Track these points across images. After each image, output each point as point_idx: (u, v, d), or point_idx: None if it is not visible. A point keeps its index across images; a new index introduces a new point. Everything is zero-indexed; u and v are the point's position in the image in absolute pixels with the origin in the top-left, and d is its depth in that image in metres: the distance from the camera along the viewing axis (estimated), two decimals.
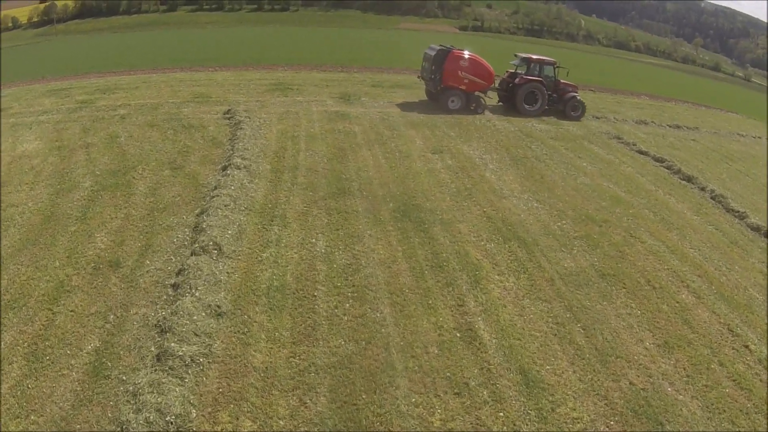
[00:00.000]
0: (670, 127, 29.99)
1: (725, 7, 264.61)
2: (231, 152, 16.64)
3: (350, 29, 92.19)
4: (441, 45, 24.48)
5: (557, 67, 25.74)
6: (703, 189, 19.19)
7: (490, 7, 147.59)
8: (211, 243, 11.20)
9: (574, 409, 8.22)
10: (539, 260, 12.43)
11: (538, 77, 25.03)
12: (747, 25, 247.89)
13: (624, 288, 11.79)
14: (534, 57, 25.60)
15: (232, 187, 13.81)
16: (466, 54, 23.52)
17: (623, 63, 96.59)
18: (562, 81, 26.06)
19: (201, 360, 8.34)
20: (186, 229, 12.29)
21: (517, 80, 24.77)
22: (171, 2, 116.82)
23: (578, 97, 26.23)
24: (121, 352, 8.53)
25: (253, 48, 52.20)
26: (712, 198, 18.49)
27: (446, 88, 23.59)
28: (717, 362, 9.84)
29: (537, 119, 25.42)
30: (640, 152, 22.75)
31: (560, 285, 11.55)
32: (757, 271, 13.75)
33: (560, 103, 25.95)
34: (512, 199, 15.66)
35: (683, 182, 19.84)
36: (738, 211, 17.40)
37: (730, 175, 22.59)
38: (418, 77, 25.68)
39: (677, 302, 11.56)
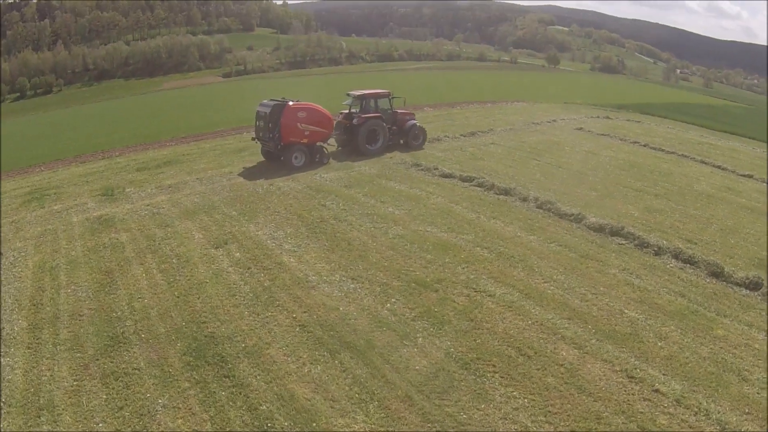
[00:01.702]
0: (464, 136, 32.19)
1: (481, 1, 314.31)
2: None
3: (114, 100, 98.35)
4: (273, 99, 25.67)
5: (392, 97, 28.33)
6: (525, 200, 20.10)
7: (251, 48, 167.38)
8: None
9: None
10: (383, 371, 11.00)
11: (376, 113, 27.30)
12: (503, 11, 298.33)
13: (496, 372, 10.81)
14: (367, 92, 27.85)
15: None
16: (303, 105, 25.16)
17: (392, 75, 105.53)
18: (398, 111, 28.82)
19: None
20: None
21: (355, 120, 26.83)
22: None
23: (418, 124, 29.04)
24: None
25: (5, 148, 44.41)
26: (538, 207, 19.40)
27: (287, 146, 24.92)
28: (637, 428, 9.35)
29: (324, 168, 25.12)
30: (445, 176, 23.42)
31: (420, 400, 10.16)
32: (624, 282, 14.14)
33: (401, 134, 28.68)
34: (323, 287, 14.46)
35: (501, 197, 20.69)
36: (572, 214, 18.33)
37: (544, 172, 24.44)
38: (253, 139, 26.84)
39: (561, 365, 10.96)
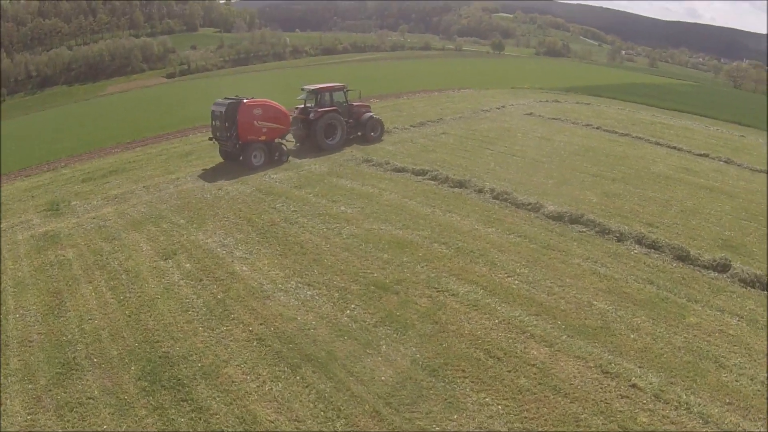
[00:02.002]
0: (414, 127, 31.98)
1: None
2: None
3: (58, 108, 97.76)
4: (227, 98, 25.57)
5: (347, 90, 28.63)
6: (480, 191, 19.92)
7: (195, 47, 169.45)
8: None
9: None
10: (347, 384, 10.55)
11: (332, 107, 27.54)
12: (447, 1, 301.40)
13: (465, 377, 10.45)
14: (322, 86, 28.03)
15: None
16: (258, 101, 25.24)
17: (335, 68, 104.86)
18: (354, 104, 29.21)
19: None
20: None
21: (312, 115, 26.96)
22: None
23: (375, 116, 29.51)
24: None
25: None
26: (495, 198, 19.23)
27: (246, 144, 24.98)
28: (618, 428, 9.13)
29: (273, 169, 24.67)
30: (397, 170, 23.06)
31: (389, 414, 9.73)
32: (589, 272, 14.01)
33: (358, 127, 29.00)
34: (279, 296, 13.98)
35: (456, 190, 20.44)
36: (530, 204, 18.20)
37: (498, 161, 24.35)
38: (210, 139, 26.77)
39: (533, 365, 10.66)
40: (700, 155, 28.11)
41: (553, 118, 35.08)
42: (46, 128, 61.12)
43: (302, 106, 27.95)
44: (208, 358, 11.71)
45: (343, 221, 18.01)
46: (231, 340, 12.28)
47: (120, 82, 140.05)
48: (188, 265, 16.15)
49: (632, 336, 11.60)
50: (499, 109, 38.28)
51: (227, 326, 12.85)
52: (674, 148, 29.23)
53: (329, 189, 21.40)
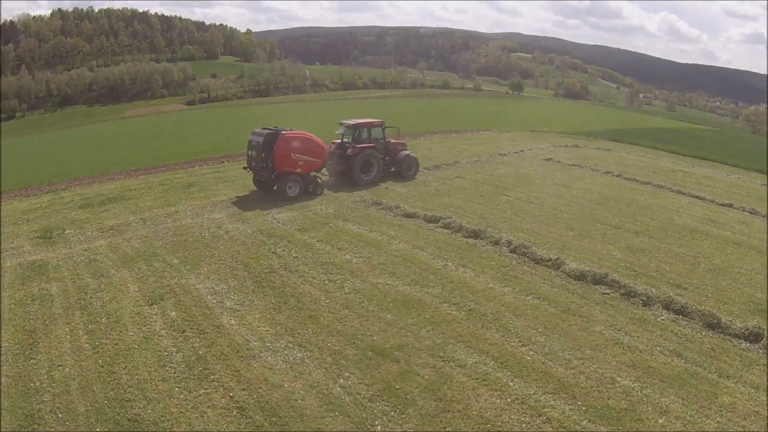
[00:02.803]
0: (428, 170, 30.87)
1: (444, 28, 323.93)
2: None
3: (75, 128, 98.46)
4: (266, 128, 25.57)
5: (385, 127, 28.54)
6: (496, 243, 18.68)
7: (215, 76, 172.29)
8: None
9: None
10: None
11: (369, 143, 27.43)
12: (466, 39, 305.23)
13: None
14: (361, 122, 27.98)
15: None
16: (297, 133, 25.20)
17: (353, 103, 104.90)
18: (391, 141, 29.01)
19: None
20: None
21: (349, 151, 26.85)
22: None
23: (411, 154, 29.20)
24: None
25: None
26: (512, 252, 17.98)
27: (281, 175, 24.88)
28: None
29: (278, 208, 23.71)
30: (408, 215, 21.94)
31: None
32: (612, 342, 12.68)
33: (394, 164, 28.83)
34: (266, 356, 12.69)
35: (471, 241, 19.24)
36: (550, 260, 16.96)
37: (515, 209, 23.13)
38: (244, 168, 26.64)
39: None
40: (724, 205, 26.82)
41: (573, 165, 33.90)
42: (56, 148, 61.49)
43: (339, 140, 27.96)
44: (181, 426, 10.48)
45: (347, 272, 16.83)
46: (209, 407, 11.03)
47: (140, 106, 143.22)
48: (174, 312, 15.08)
49: (660, 421, 10.26)
50: (517, 153, 37.22)
51: (206, 389, 11.63)
52: (697, 197, 27.95)
53: (335, 234, 20.28)
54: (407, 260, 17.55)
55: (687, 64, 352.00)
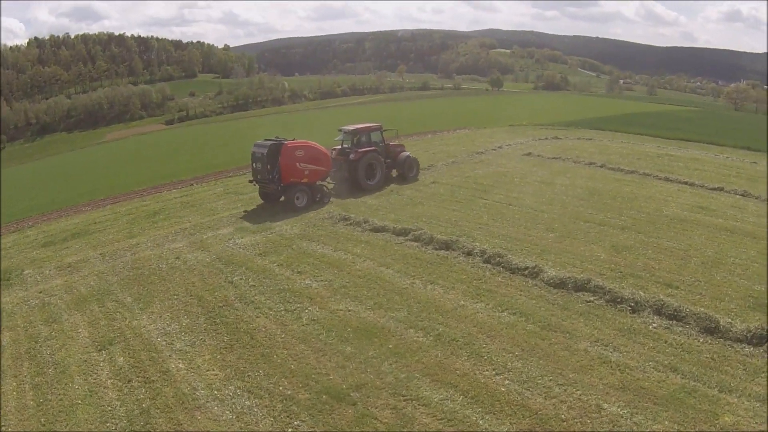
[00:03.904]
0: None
1: (422, 30, 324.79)
2: None
3: (52, 157, 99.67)
4: (268, 139, 25.60)
5: (383, 130, 28.83)
6: (469, 253, 17.24)
7: (193, 94, 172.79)
8: None
9: None
10: None
11: (371, 147, 27.43)
12: (445, 39, 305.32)
13: None
14: (359, 127, 28.19)
15: None
16: (300, 143, 25.29)
17: (331, 111, 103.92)
18: (390, 143, 29.17)
19: None
20: None
21: (352, 156, 26.79)
22: None
23: (411, 156, 29.30)
24: None
25: None
26: (486, 262, 16.55)
27: (288, 186, 24.84)
28: None
29: (240, 232, 22.47)
30: (376, 230, 20.50)
31: None
32: (598, 360, 11.24)
33: (396, 166, 28.95)
34: (211, 406, 11.41)
35: (442, 253, 17.80)
36: (527, 268, 15.53)
37: (493, 213, 21.78)
38: (250, 181, 26.80)
39: None
40: (715, 189, 25.41)
41: (554, 158, 32.54)
42: (28, 181, 60.64)
43: (339, 147, 28.01)
44: None
45: (306, 299, 15.37)
46: None
47: (119, 129, 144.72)
48: (122, 358, 13.99)
49: None
50: (495, 150, 35.83)
51: None
52: (686, 183, 26.56)
53: (297, 256, 18.83)
54: (371, 281, 16.09)
55: (667, 48, 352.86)
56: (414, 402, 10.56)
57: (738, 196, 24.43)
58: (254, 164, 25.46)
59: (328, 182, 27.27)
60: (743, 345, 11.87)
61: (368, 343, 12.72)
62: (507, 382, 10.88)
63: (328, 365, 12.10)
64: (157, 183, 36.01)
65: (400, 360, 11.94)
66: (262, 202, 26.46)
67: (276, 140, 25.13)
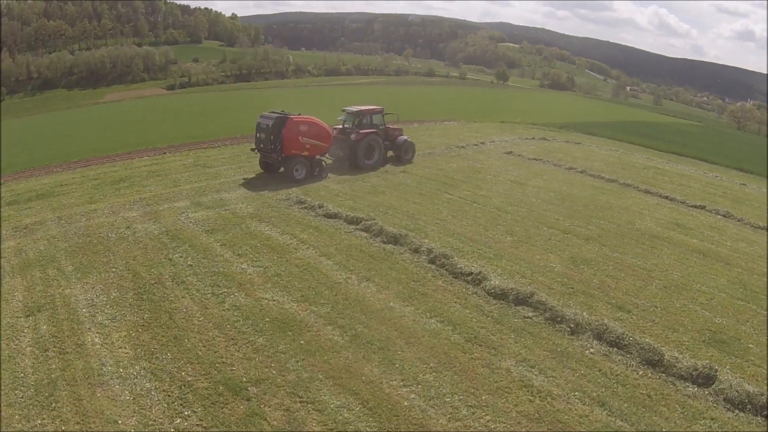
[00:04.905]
0: None
1: (433, 16, 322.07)
2: None
3: (49, 113, 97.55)
4: (274, 111, 26.63)
5: (385, 113, 29.62)
6: (416, 251, 16.31)
7: (197, 60, 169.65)
8: None
9: None
10: None
11: (371, 129, 28.39)
12: (454, 28, 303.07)
13: None
14: (363, 109, 29.00)
15: None
16: (305, 118, 25.91)
17: (331, 89, 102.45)
18: (389, 126, 29.98)
19: None
20: None
21: (353, 136, 27.67)
22: None
23: (408, 139, 30.09)
24: None
25: None
26: (430, 262, 15.61)
27: (288, 158, 25.58)
28: None
29: (194, 207, 21.59)
30: (329, 216, 19.56)
31: None
32: (519, 384, 10.28)
33: (393, 148, 29.89)
34: (113, 384, 10.89)
35: (388, 247, 16.91)
36: (471, 273, 14.61)
37: (454, 210, 20.86)
38: (252, 149, 27.56)
39: None
40: (696, 207, 24.69)
41: (534, 159, 31.58)
42: (17, 137, 59.07)
43: (341, 126, 28.70)
44: None
45: (236, 285, 14.45)
46: None
47: (119, 90, 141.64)
48: (45, 327, 13.45)
49: None
50: (477, 145, 34.80)
51: (43, 418, 10.09)
52: (666, 197, 25.76)
53: (242, 237, 17.87)
54: (307, 271, 15.14)
55: (675, 59, 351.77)
56: (309, 405, 9.73)
57: (719, 216, 23.69)
58: (258, 134, 26.08)
59: (327, 158, 27.85)
60: (686, 383, 10.97)
61: (281, 336, 11.83)
62: (412, 396, 9.98)
63: (236, 355, 11.27)
64: (132, 149, 34.99)
65: (308, 358, 11.06)
66: (248, 175, 26.65)
67: (281, 114, 25.85)
